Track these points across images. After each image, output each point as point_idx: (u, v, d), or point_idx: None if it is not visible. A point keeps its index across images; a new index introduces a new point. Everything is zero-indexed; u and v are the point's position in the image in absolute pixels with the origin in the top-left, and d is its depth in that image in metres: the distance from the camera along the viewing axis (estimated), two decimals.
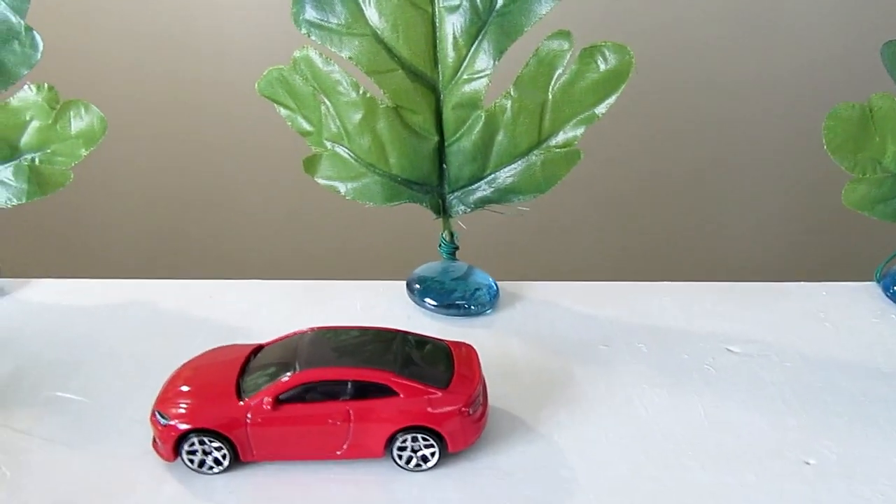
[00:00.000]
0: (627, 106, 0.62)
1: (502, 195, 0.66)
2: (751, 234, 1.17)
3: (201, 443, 0.46)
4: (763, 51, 1.01)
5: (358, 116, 0.65)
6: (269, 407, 0.45)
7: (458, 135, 0.65)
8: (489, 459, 0.47)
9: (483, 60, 0.62)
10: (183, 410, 0.46)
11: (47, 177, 0.67)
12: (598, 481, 0.46)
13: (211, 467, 0.46)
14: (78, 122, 0.65)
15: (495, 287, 0.68)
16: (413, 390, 0.46)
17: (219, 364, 0.49)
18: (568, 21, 0.62)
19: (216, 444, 0.46)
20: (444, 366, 0.48)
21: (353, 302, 0.68)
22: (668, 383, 0.55)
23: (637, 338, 0.61)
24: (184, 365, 0.50)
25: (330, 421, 0.45)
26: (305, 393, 0.45)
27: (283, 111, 0.68)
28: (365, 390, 0.45)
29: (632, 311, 0.65)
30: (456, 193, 0.67)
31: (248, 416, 0.45)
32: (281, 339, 0.51)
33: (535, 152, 0.64)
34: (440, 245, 0.71)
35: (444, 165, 0.67)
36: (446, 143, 0.66)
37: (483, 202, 0.67)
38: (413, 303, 0.68)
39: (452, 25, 0.62)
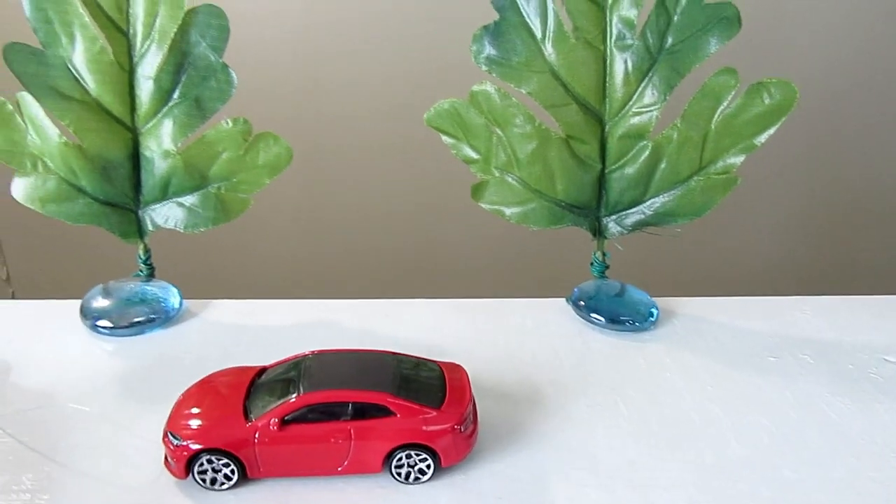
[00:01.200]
0: None
1: (660, 218, 0.71)
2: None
3: (211, 461, 0.49)
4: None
5: (531, 146, 0.70)
6: (275, 427, 0.49)
7: (620, 163, 0.70)
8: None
9: (652, 95, 0.68)
10: (194, 431, 0.49)
11: (229, 204, 0.71)
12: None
13: (221, 484, 0.50)
14: (265, 154, 0.69)
15: (654, 303, 0.73)
16: (409, 410, 0.49)
17: (225, 386, 0.53)
18: None
19: (225, 462, 0.49)
20: (437, 387, 0.52)
21: (523, 319, 0.72)
22: (846, 391, 0.60)
23: (799, 349, 0.66)
24: (192, 387, 0.54)
25: (332, 440, 0.49)
26: (309, 413, 0.49)
27: (447, 139, 0.72)
28: (364, 411, 0.49)
29: (783, 324, 0.71)
30: (612, 217, 0.72)
31: (256, 435, 0.49)
32: (282, 362, 0.55)
33: (694, 178, 0.69)
34: (592, 264, 0.76)
35: (603, 191, 0.72)
36: (607, 170, 0.71)
37: (640, 225, 0.72)
38: (580, 318, 0.72)
39: (624, 63, 0.68)
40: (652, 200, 0.71)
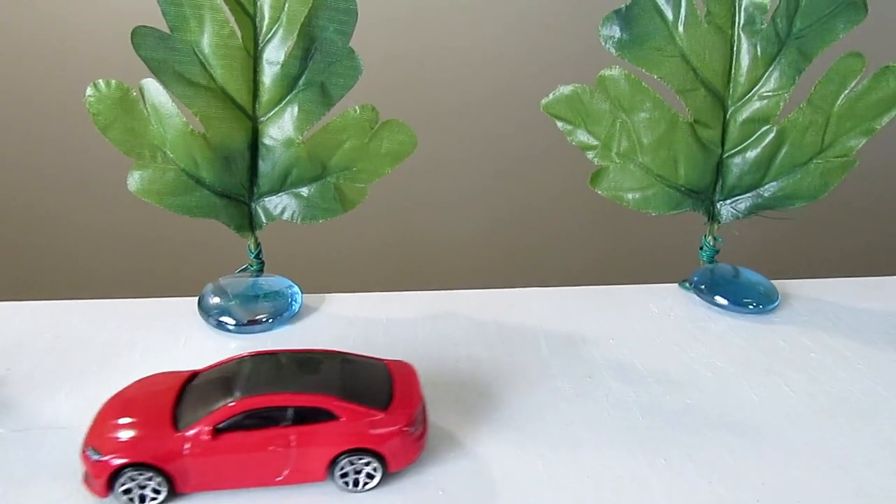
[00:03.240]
0: None
1: (777, 202, 0.72)
2: None
3: (135, 478, 0.44)
4: None
5: (658, 132, 0.70)
6: (207, 437, 0.44)
7: (741, 147, 0.71)
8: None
9: (779, 79, 0.68)
10: (116, 444, 0.44)
11: (348, 194, 0.69)
12: None
13: (147, 501, 0.45)
14: (389, 142, 0.67)
15: (771, 284, 0.74)
16: (354, 413, 0.46)
17: (152, 393, 0.48)
18: None
19: (151, 477, 0.44)
20: (383, 386, 0.49)
21: (646, 305, 0.72)
22: None
23: None
24: (115, 395, 0.49)
25: (271, 448, 0.45)
26: (245, 420, 0.45)
27: (563, 126, 0.72)
28: (306, 415, 0.45)
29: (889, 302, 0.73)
30: (728, 201, 0.73)
31: (186, 447, 0.44)
32: (217, 365, 0.50)
33: (814, 161, 0.70)
34: (702, 248, 0.76)
35: (720, 176, 0.72)
36: (725, 155, 0.72)
37: (755, 209, 0.73)
38: (701, 302, 0.73)
39: (752, 47, 0.68)
40: (770, 184, 0.72)
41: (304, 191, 0.68)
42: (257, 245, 0.70)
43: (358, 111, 0.66)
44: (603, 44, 0.68)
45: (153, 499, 0.45)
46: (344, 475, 0.46)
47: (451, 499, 0.47)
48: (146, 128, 0.63)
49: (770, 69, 0.68)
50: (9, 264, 1.16)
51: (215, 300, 0.68)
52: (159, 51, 0.61)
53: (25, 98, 1.07)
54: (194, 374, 0.50)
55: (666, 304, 0.73)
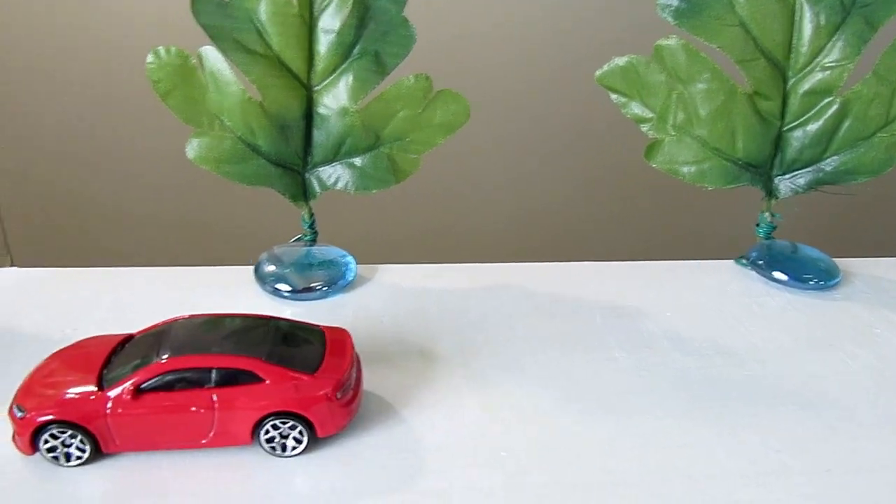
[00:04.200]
0: None
1: (838, 177, 0.70)
2: None
3: (59, 435, 0.44)
4: None
5: (716, 103, 0.68)
6: (129, 396, 0.44)
7: (801, 120, 0.69)
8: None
9: (842, 50, 0.67)
10: (40, 402, 0.45)
11: (400, 164, 0.69)
12: None
13: (72, 459, 0.45)
14: (443, 112, 0.67)
15: (831, 260, 0.72)
16: (279, 375, 0.45)
17: (84, 354, 0.48)
18: None
19: (73, 434, 0.44)
20: (315, 351, 0.48)
21: (703, 280, 0.71)
22: None
23: None
24: (50, 356, 0.49)
25: (193, 409, 0.45)
26: (168, 381, 0.45)
27: (616, 98, 0.70)
28: (230, 378, 0.45)
29: None
30: (787, 176, 0.71)
31: (108, 406, 0.44)
32: (151, 328, 0.50)
33: (878, 135, 0.69)
34: (758, 225, 0.75)
35: (778, 150, 0.71)
36: (784, 128, 0.70)
37: (815, 184, 0.71)
38: (759, 278, 0.71)
39: (815, 16, 0.66)
40: (832, 158, 0.70)
41: (358, 161, 0.68)
42: (311, 215, 0.71)
43: (412, 80, 0.66)
44: (660, 13, 0.67)
45: (78, 458, 0.45)
46: (270, 439, 0.46)
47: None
48: (204, 95, 0.64)
49: (833, 39, 0.67)
50: (75, 232, 1.18)
51: (270, 268, 0.68)
52: (218, 18, 0.62)
53: (100, 72, 1.08)
54: (129, 337, 0.50)
55: (722, 280, 0.71)
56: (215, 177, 0.66)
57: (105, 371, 0.46)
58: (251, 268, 0.69)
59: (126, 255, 1.19)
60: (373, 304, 0.65)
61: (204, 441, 0.46)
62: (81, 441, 0.45)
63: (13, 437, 0.46)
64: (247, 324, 0.49)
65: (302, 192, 0.69)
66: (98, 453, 0.45)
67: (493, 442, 0.48)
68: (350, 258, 0.70)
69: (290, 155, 0.67)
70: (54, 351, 0.49)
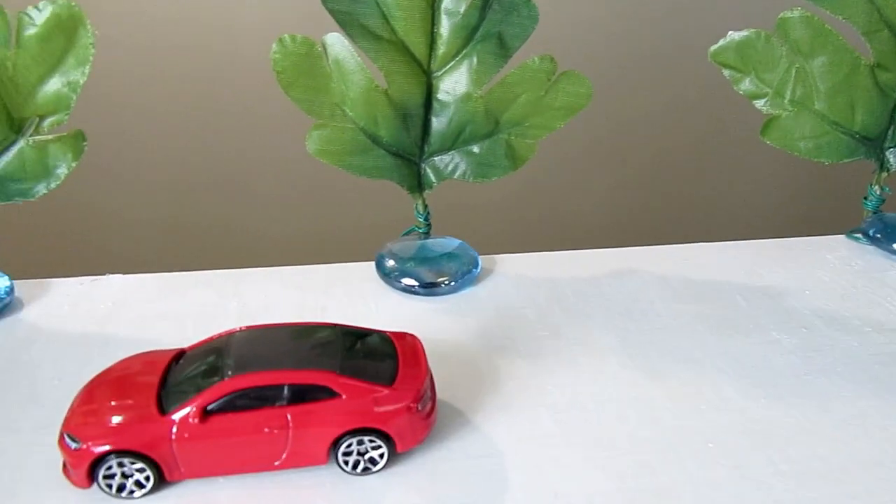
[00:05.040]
0: None
1: None
2: None
3: (120, 465, 0.41)
4: None
5: (839, 77, 0.67)
6: (195, 420, 0.41)
7: None
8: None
9: None
10: (97, 431, 0.41)
11: (518, 150, 0.66)
12: None
13: (132, 492, 0.41)
14: (566, 95, 0.65)
15: None
16: (356, 389, 0.42)
17: (135, 375, 0.44)
18: None
19: (138, 466, 0.41)
20: (387, 360, 0.45)
21: (822, 257, 0.70)
22: None
23: None
24: (94, 378, 0.45)
25: (266, 430, 0.41)
26: (237, 401, 0.41)
27: (729, 73, 0.69)
28: (304, 393, 0.42)
29: None
30: None
31: (174, 430, 0.41)
32: (205, 342, 0.46)
33: None
34: (867, 199, 0.74)
35: (892, 122, 0.70)
36: None
37: None
38: (879, 251, 0.71)
39: None
40: None
41: (476, 148, 0.66)
42: (425, 206, 0.68)
43: (537, 62, 0.64)
44: None
45: (141, 487, 0.41)
46: (347, 457, 0.43)
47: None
48: (328, 85, 0.61)
49: None
50: (190, 236, 1.13)
51: (391, 263, 0.66)
52: (345, 3, 0.58)
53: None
54: (181, 353, 0.46)
55: (842, 255, 0.71)
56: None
57: (163, 393, 0.43)
58: (370, 264, 0.67)
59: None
60: (510, 295, 0.64)
61: (277, 463, 0.42)
62: (144, 471, 0.41)
63: (64, 468, 0.42)
64: (310, 333, 0.46)
65: (417, 183, 0.67)
66: (161, 482, 0.42)
67: (692, 430, 0.47)
68: (471, 250, 0.68)
69: (409, 145, 0.64)
70: (98, 373, 0.45)
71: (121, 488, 0.41)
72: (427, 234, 0.69)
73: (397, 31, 0.61)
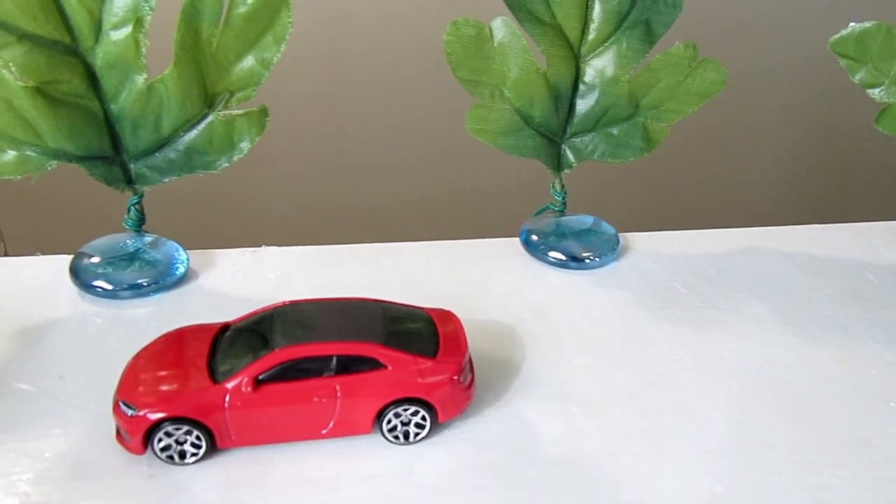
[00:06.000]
0: None
1: None
2: None
3: (174, 432, 0.42)
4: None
5: None
6: (248, 388, 0.42)
7: None
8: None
9: None
10: (153, 398, 0.42)
11: (652, 133, 0.70)
12: None
13: (184, 457, 0.43)
14: (702, 81, 0.68)
15: None
16: (402, 361, 0.44)
17: (184, 346, 0.46)
18: None
19: (191, 433, 0.42)
20: (428, 334, 0.47)
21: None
22: None
23: None
24: (143, 349, 0.47)
25: (315, 399, 0.43)
26: (287, 371, 0.43)
27: (845, 63, 0.73)
28: (351, 364, 0.43)
29: None
30: None
31: (227, 399, 0.42)
32: (251, 315, 0.48)
33: None
34: None
35: None
36: None
37: None
38: None
39: None
40: None
41: (615, 130, 0.69)
42: (562, 185, 0.71)
43: (681, 49, 0.67)
44: None
45: (193, 454, 0.43)
46: (392, 427, 0.45)
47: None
48: (490, 67, 0.64)
49: None
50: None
51: (535, 238, 0.69)
52: None
53: None
54: (226, 326, 0.48)
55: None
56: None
57: (213, 363, 0.44)
58: (515, 240, 0.70)
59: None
60: (654, 270, 0.67)
61: (324, 431, 0.44)
62: (197, 437, 0.43)
63: (117, 434, 0.43)
64: (355, 307, 0.47)
65: (556, 163, 0.70)
66: (212, 449, 0.43)
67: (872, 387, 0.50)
68: (610, 226, 0.71)
69: (556, 126, 0.68)
70: (145, 345, 0.47)
71: (176, 454, 0.43)
72: (562, 213, 0.72)
73: (556, 16, 0.64)
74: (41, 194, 1.09)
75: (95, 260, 0.62)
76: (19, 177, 0.57)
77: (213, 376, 0.43)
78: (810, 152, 1.29)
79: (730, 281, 0.65)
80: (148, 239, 0.64)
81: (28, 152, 0.56)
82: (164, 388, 0.43)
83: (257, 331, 0.45)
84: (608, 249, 0.69)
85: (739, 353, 0.55)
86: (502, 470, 0.44)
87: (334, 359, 0.43)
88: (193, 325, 0.48)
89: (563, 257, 0.67)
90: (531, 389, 0.50)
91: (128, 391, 0.43)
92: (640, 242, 0.72)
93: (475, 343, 0.54)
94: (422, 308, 0.50)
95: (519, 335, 0.56)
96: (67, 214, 1.10)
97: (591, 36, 0.66)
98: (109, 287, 0.60)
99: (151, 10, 0.53)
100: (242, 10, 0.54)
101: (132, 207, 0.63)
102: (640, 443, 0.46)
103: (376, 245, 0.68)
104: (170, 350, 0.46)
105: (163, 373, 0.44)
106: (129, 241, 0.64)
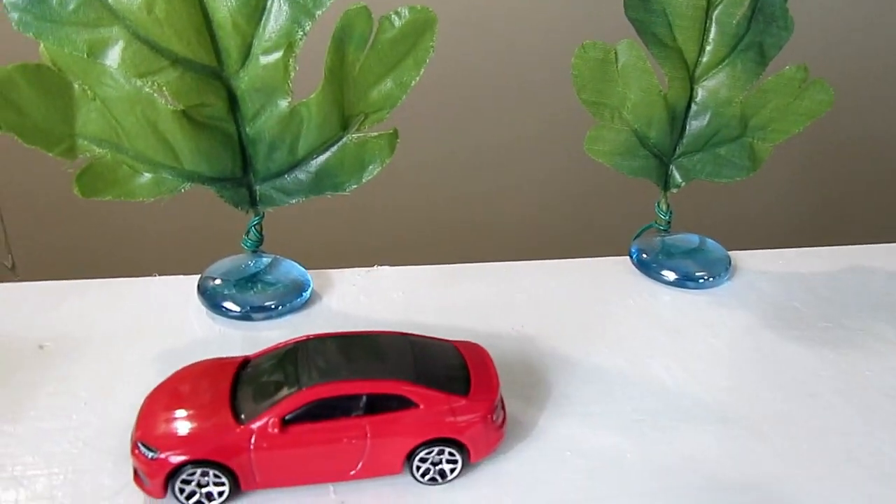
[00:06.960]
0: None
1: None
2: None
3: (199, 475, 0.40)
4: None
5: None
6: (275, 429, 0.40)
7: None
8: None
9: None
10: (174, 440, 0.40)
11: (758, 153, 0.70)
12: None
13: (210, 499, 0.41)
14: (810, 101, 0.68)
15: None
16: (433, 399, 0.42)
17: (204, 382, 0.44)
18: None
19: (214, 475, 0.40)
20: (459, 369, 0.45)
21: None
22: None
23: None
24: (160, 385, 0.45)
25: (345, 440, 0.41)
26: (315, 410, 0.41)
27: None
28: (381, 403, 0.42)
29: None
30: None
31: (252, 440, 0.40)
32: (272, 349, 0.46)
33: None
34: None
35: None
36: None
37: None
38: None
39: None
40: None
41: (723, 150, 0.70)
42: (668, 205, 0.72)
43: (794, 70, 0.68)
44: None
45: (216, 497, 0.41)
46: (423, 469, 0.43)
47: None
48: (612, 89, 0.64)
49: None
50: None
51: (645, 256, 0.70)
52: (642, 12, 0.62)
53: None
54: (245, 361, 0.46)
55: None
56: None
57: (236, 402, 0.42)
58: (624, 259, 0.70)
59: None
60: (768, 289, 0.68)
61: (352, 472, 0.42)
62: (220, 480, 0.41)
63: (135, 476, 0.41)
64: (382, 342, 0.46)
65: (665, 182, 0.70)
66: (236, 491, 0.41)
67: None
68: (720, 245, 0.72)
69: (668, 146, 0.68)
70: (160, 382, 0.45)
71: (201, 497, 0.41)
72: (667, 232, 0.73)
73: (678, 39, 0.64)
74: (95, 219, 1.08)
75: (219, 282, 0.62)
76: (152, 199, 0.57)
77: (237, 416, 0.41)
78: None
79: (848, 299, 0.65)
80: (266, 260, 0.64)
81: (164, 174, 0.56)
82: (185, 428, 0.41)
83: (282, 367, 0.44)
84: (721, 269, 0.69)
85: (883, 373, 0.55)
86: None
87: (364, 397, 0.42)
88: (211, 360, 0.46)
89: (677, 276, 0.68)
90: (691, 412, 0.51)
91: (147, 431, 0.41)
92: (747, 261, 0.73)
93: (614, 362, 0.55)
94: (447, 340, 0.48)
95: (656, 355, 0.57)
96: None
97: (706, 58, 0.67)
98: (237, 309, 0.60)
99: (305, 34, 0.53)
100: (390, 34, 0.55)
101: (252, 228, 0.63)
102: (816, 465, 0.47)
103: (487, 265, 0.69)
104: (189, 386, 0.44)
105: (183, 412, 0.42)
106: (250, 262, 0.64)
